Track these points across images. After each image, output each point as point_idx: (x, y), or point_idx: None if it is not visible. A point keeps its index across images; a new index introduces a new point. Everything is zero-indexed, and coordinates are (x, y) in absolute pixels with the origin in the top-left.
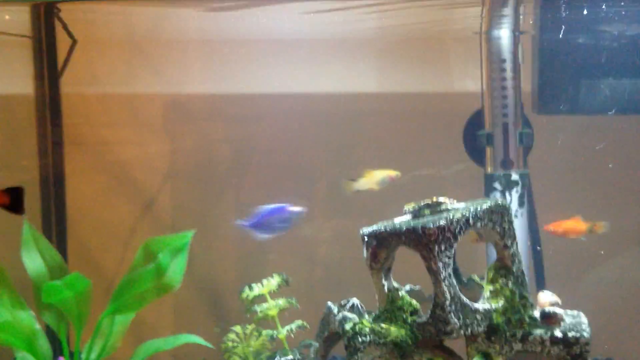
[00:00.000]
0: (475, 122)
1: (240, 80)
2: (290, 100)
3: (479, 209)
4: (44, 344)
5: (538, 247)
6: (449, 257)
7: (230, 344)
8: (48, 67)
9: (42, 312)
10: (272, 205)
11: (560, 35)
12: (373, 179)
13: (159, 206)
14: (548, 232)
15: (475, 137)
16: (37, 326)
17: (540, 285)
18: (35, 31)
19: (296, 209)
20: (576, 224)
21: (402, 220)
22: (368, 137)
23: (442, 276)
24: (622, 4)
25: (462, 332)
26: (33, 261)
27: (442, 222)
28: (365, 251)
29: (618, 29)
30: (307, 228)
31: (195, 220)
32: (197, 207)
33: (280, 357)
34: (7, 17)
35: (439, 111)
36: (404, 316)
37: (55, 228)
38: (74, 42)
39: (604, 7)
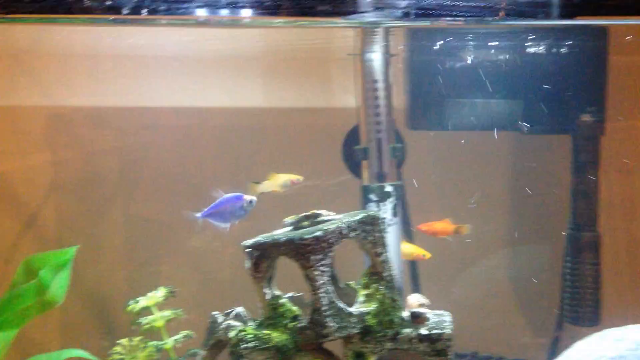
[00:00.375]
0: (352, 137)
1: (128, 94)
2: (179, 114)
3: (351, 220)
4: None
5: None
6: (325, 266)
7: (116, 356)
8: None
9: None
10: (227, 195)
11: (428, 58)
12: (276, 182)
13: (42, 220)
14: (420, 232)
15: (352, 151)
16: None
17: (416, 288)
18: None
19: (250, 197)
20: (445, 225)
21: (282, 232)
22: (255, 150)
23: (318, 283)
24: (479, 33)
25: (338, 334)
26: None
27: (318, 233)
28: (247, 262)
29: (478, 55)
30: (197, 239)
31: (82, 233)
32: (83, 220)
33: None
34: None
35: (321, 126)
36: (286, 322)
37: None
38: None
39: (466, 37)
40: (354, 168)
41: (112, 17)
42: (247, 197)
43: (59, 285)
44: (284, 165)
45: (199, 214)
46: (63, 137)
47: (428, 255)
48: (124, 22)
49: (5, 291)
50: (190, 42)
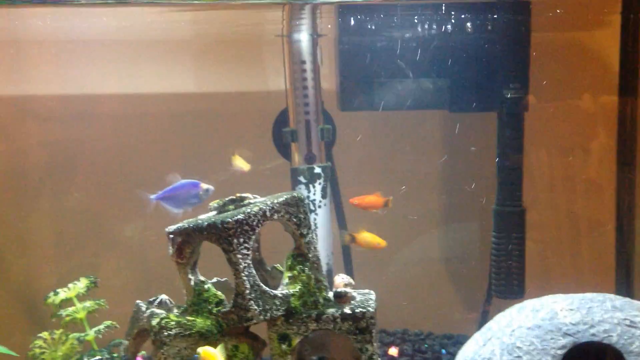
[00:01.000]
0: (282, 119)
1: (50, 82)
2: (109, 102)
3: (275, 202)
4: None
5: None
6: (248, 249)
7: (37, 350)
8: None
9: None
10: (184, 181)
11: (357, 39)
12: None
13: None
14: (352, 205)
15: (282, 134)
16: None
17: (349, 269)
18: None
19: (207, 186)
20: (375, 199)
21: (206, 216)
22: (189, 135)
23: (241, 267)
24: (407, 11)
25: (262, 317)
26: None
27: (240, 217)
28: (171, 248)
29: (404, 34)
30: (127, 229)
31: (10, 226)
32: (12, 212)
33: (88, 359)
34: None
35: (252, 109)
36: (210, 307)
37: None
38: None
39: (392, 14)
40: (285, 151)
41: None
42: (204, 185)
43: None
44: (216, 151)
45: (153, 196)
46: None
47: (384, 243)
48: (43, 3)
49: None
50: (118, 26)
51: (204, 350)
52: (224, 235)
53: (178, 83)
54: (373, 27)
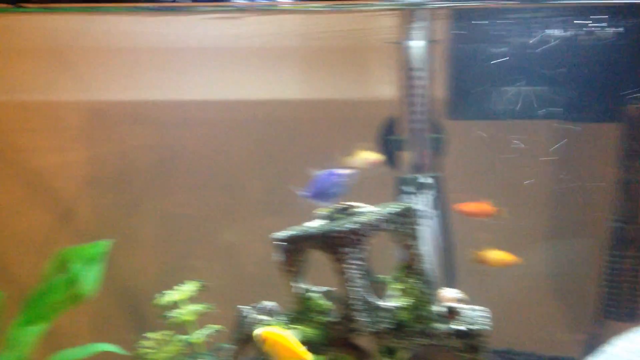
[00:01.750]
0: (389, 127)
1: (162, 88)
2: (214, 107)
3: (386, 211)
4: None
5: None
6: (357, 259)
7: (145, 350)
8: None
9: None
10: (322, 172)
11: (470, 45)
12: (359, 157)
13: (78, 214)
14: (458, 212)
15: (388, 142)
16: None
17: (451, 282)
18: None
19: (346, 171)
20: (483, 206)
21: (314, 224)
22: (289, 142)
23: (350, 276)
24: (527, 16)
25: (369, 329)
26: None
27: (351, 225)
28: (278, 255)
29: (520, 39)
30: (228, 233)
31: (117, 228)
32: (118, 214)
33: None
34: None
35: (357, 117)
36: (315, 316)
37: None
38: None
39: (510, 19)
40: (390, 159)
41: (151, 4)
42: (344, 171)
43: (90, 279)
44: (319, 159)
45: (302, 194)
46: (99, 133)
47: (516, 260)
48: (162, 10)
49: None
50: (227, 33)
51: (266, 331)
52: (334, 243)
53: (283, 90)
54: (486, 32)
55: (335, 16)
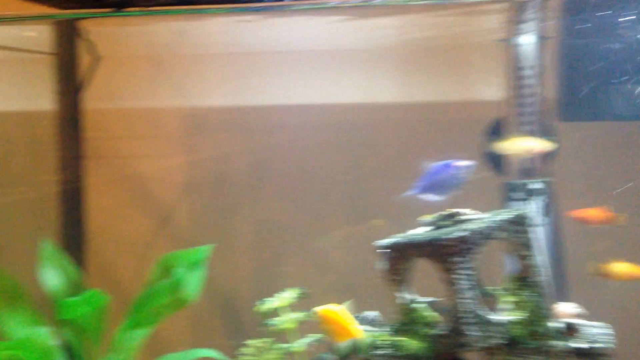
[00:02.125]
0: (495, 130)
1: (258, 92)
2: (309, 111)
3: (498, 219)
4: None
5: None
6: (468, 269)
7: (245, 357)
8: (70, 82)
9: (61, 328)
10: (436, 164)
11: (584, 40)
12: (518, 145)
13: (176, 219)
14: (574, 218)
15: (494, 146)
16: (53, 342)
17: (564, 296)
18: (58, 47)
19: (464, 163)
20: (602, 212)
21: (419, 231)
22: (387, 146)
23: (460, 287)
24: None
25: (479, 344)
26: (52, 277)
27: (461, 233)
28: (382, 263)
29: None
30: (323, 239)
31: (212, 233)
32: (214, 219)
33: None
34: (31, 34)
35: (458, 120)
36: (421, 329)
37: (74, 242)
38: (97, 58)
39: (627, 12)
40: (496, 164)
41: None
42: (461, 162)
43: (193, 284)
44: (417, 164)
45: (412, 192)
46: (197, 138)
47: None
48: (261, 10)
49: (140, 289)
50: (322, 36)
51: (322, 309)
52: (443, 252)
53: (380, 92)
54: (601, 26)
55: (436, 14)
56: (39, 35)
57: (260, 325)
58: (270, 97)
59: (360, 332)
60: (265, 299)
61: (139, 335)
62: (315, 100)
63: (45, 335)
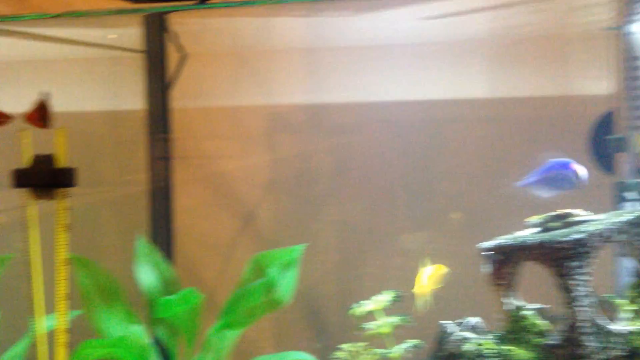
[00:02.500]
0: (603, 126)
1: (342, 89)
2: (394, 108)
3: (617, 221)
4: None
5: None
6: (584, 274)
7: None
8: (158, 81)
9: (154, 326)
10: (553, 160)
11: None
12: None
13: (260, 218)
14: None
15: (603, 143)
16: (147, 341)
17: None
18: (148, 45)
19: (580, 168)
20: None
21: (527, 233)
22: (479, 145)
23: (576, 294)
24: None
25: (598, 356)
26: (147, 275)
27: (578, 236)
28: (487, 267)
29: None
30: (408, 241)
31: (296, 232)
32: (298, 219)
33: None
34: (120, 32)
35: (559, 116)
36: (530, 337)
37: (163, 241)
38: (185, 55)
39: None
40: (605, 162)
41: None
42: (577, 167)
43: (286, 285)
44: (511, 163)
45: (525, 182)
46: (280, 136)
47: None
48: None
49: (234, 289)
50: (407, 28)
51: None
52: (557, 256)
53: (470, 87)
54: None
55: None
56: (128, 33)
57: (352, 329)
58: (355, 94)
59: (421, 288)
60: (356, 301)
61: (232, 336)
62: (400, 97)
63: (141, 334)
